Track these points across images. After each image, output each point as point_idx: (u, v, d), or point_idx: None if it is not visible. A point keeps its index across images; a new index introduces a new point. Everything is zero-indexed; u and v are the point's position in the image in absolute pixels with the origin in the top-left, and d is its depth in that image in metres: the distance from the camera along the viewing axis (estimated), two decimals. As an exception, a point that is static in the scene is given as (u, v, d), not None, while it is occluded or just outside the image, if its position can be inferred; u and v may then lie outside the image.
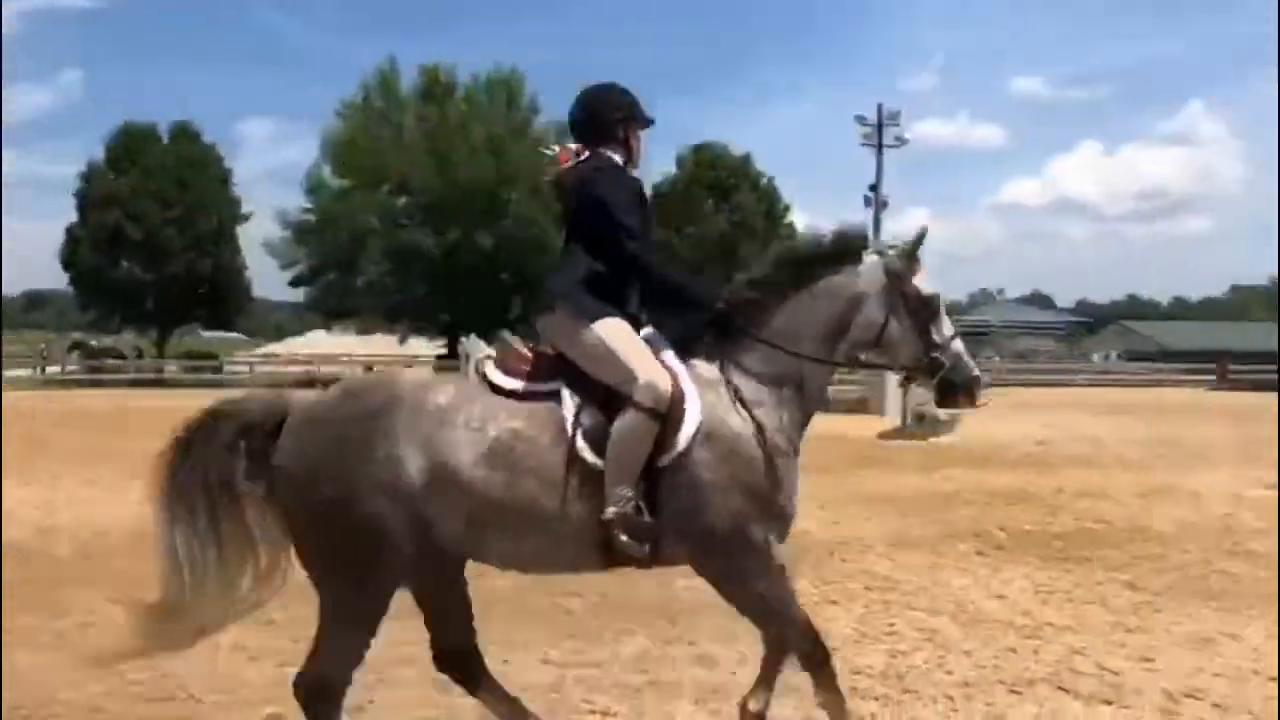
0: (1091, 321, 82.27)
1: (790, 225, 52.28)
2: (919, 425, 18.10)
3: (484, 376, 3.65)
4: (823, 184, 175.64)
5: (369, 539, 3.40)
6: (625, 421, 3.49)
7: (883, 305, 3.77)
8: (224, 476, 3.55)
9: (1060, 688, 5.02)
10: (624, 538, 3.45)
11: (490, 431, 3.49)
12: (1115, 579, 7.26)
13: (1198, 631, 5.93)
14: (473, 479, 3.43)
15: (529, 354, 3.72)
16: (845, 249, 3.83)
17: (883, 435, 18.46)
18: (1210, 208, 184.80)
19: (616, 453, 3.48)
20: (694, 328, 3.75)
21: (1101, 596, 6.80)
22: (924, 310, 3.79)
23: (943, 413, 18.25)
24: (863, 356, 3.88)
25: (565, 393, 3.59)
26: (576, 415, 3.54)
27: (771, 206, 53.75)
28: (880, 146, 46.34)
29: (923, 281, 3.80)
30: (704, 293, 3.81)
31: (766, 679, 3.88)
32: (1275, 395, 24.30)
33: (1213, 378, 43.75)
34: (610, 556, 3.54)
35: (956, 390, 3.83)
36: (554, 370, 3.65)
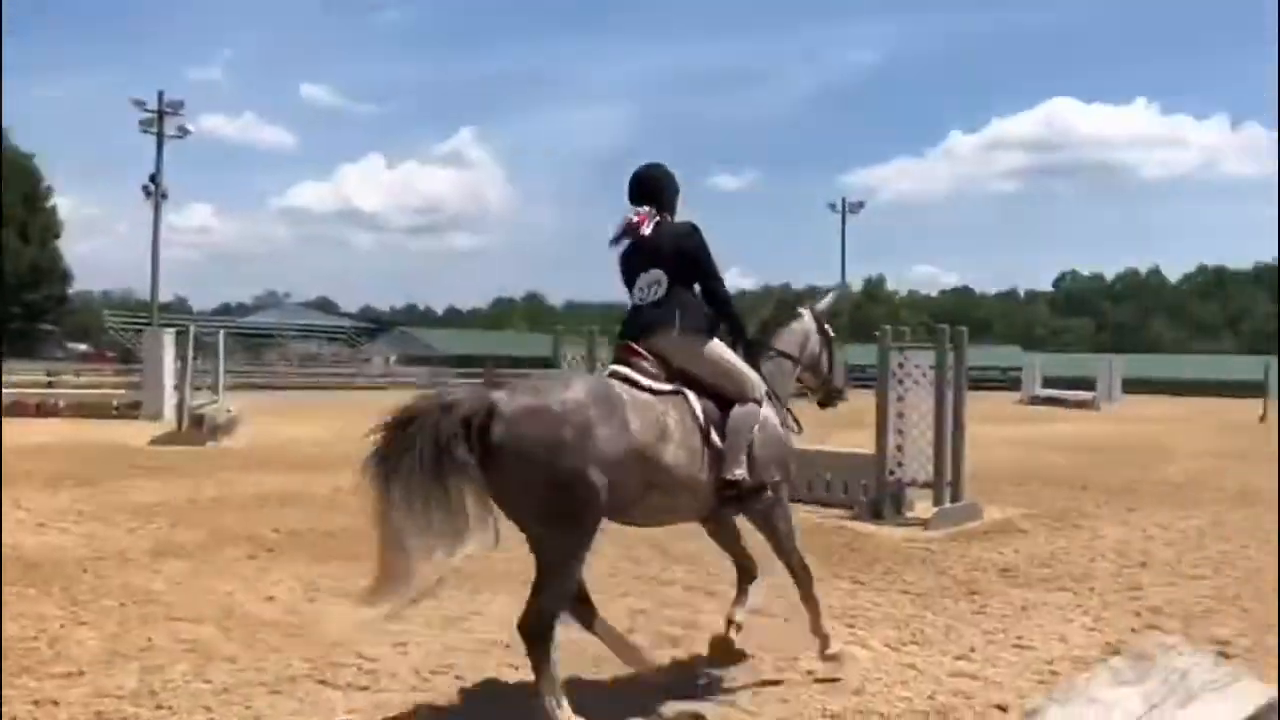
0: (374, 327, 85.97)
1: (54, 209, 46.95)
2: (196, 429, 17.33)
3: (625, 378, 4.71)
4: (98, 169, 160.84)
5: (590, 500, 4.28)
6: (745, 410, 4.87)
7: (818, 340, 5.73)
8: (445, 456, 4.08)
9: (321, 681, 5.07)
10: (745, 490, 4.80)
11: (659, 417, 4.57)
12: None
13: (449, 613, 6.38)
14: (656, 452, 4.51)
15: (653, 360, 4.84)
16: (799, 302, 5.85)
17: (156, 440, 17.36)
18: (479, 226, 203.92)
19: (737, 431, 4.79)
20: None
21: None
22: (832, 343, 5.80)
23: (221, 415, 17.67)
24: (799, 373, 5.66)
25: (689, 392, 4.77)
26: (703, 408, 4.75)
27: (33, 189, 47.89)
28: (160, 135, 43.78)
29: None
30: (744, 323, 5.28)
31: (741, 597, 5.54)
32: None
33: (481, 381, 48.13)
34: (717, 506, 4.91)
35: (838, 397, 5.93)
36: (670, 374, 4.81)
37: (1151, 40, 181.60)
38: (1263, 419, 32.18)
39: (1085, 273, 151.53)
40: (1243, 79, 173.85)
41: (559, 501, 4.24)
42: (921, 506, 10.86)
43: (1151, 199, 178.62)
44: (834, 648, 5.29)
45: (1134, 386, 47.90)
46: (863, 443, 16.32)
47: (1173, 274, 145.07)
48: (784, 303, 5.84)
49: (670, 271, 4.98)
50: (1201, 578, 7.91)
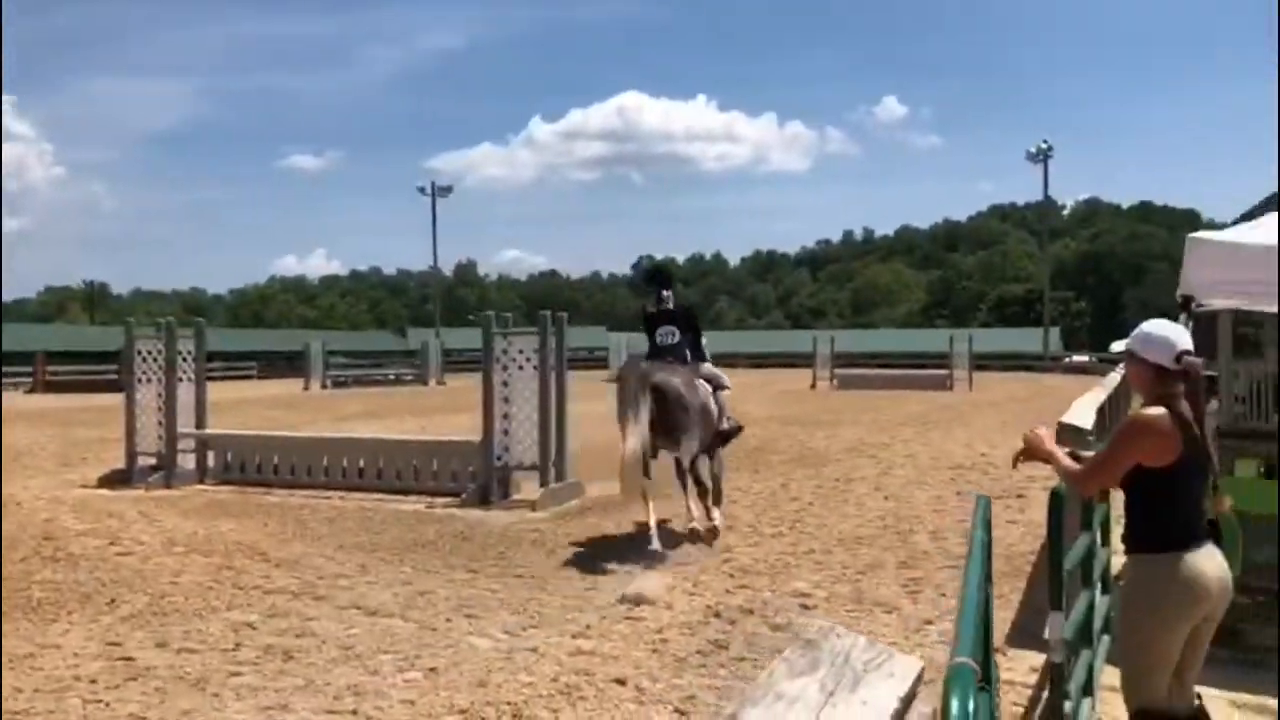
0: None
1: None
2: None
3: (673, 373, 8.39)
4: None
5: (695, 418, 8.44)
6: (726, 392, 9.01)
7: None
8: (641, 394, 7.85)
9: None
10: (728, 432, 8.90)
11: (697, 387, 8.44)
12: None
13: (16, 648, 5.62)
14: (709, 406, 8.56)
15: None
16: None
17: None
18: (21, 207, 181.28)
19: (724, 401, 8.83)
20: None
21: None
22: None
23: None
24: None
25: (703, 382, 8.64)
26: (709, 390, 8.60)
27: None
28: None
29: None
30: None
31: (701, 509, 8.55)
32: None
33: (30, 379, 43.01)
34: (712, 444, 8.71)
35: None
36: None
37: (713, 40, 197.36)
38: (813, 386, 36.20)
39: (659, 256, 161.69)
40: (791, 80, 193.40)
41: (681, 419, 8.14)
42: (526, 488, 11.10)
43: (712, 189, 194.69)
44: (717, 520, 8.44)
45: (705, 361, 51.86)
46: (464, 426, 16.38)
47: (733, 258, 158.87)
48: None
49: (680, 328, 8.83)
50: (780, 535, 8.73)
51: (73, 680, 5.12)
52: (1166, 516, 3.48)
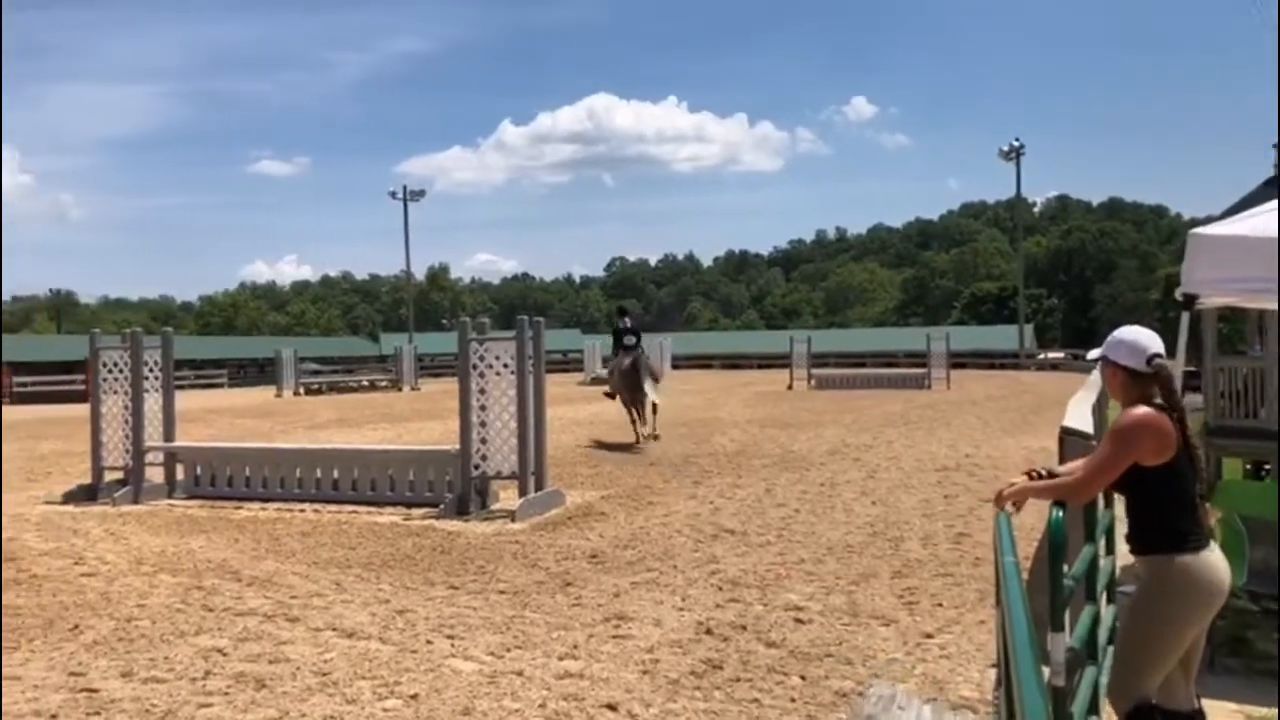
0: None
1: None
2: None
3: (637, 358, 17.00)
4: None
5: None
6: (663, 368, 32.48)
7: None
8: (633, 370, 16.66)
9: None
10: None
11: (650, 365, 17.70)
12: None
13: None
14: (652, 370, 17.66)
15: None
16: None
17: None
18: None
19: (658, 375, 18.55)
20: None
21: None
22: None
23: None
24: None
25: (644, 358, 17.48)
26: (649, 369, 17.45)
27: None
28: None
29: None
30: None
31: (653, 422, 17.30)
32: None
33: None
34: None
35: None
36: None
37: (682, 41, 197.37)
38: (790, 387, 36.05)
39: (632, 258, 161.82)
40: (760, 81, 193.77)
41: (647, 375, 16.81)
42: (505, 496, 10.85)
43: (684, 190, 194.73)
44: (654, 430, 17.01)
45: (677, 362, 51.84)
46: (439, 432, 16.06)
47: (705, 258, 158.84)
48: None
49: (637, 339, 17.49)
50: (767, 544, 8.52)
51: (33, 715, 4.84)
52: (1173, 515, 3.49)
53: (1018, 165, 64.09)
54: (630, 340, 17.26)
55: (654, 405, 16.81)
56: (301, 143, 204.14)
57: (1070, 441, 5.25)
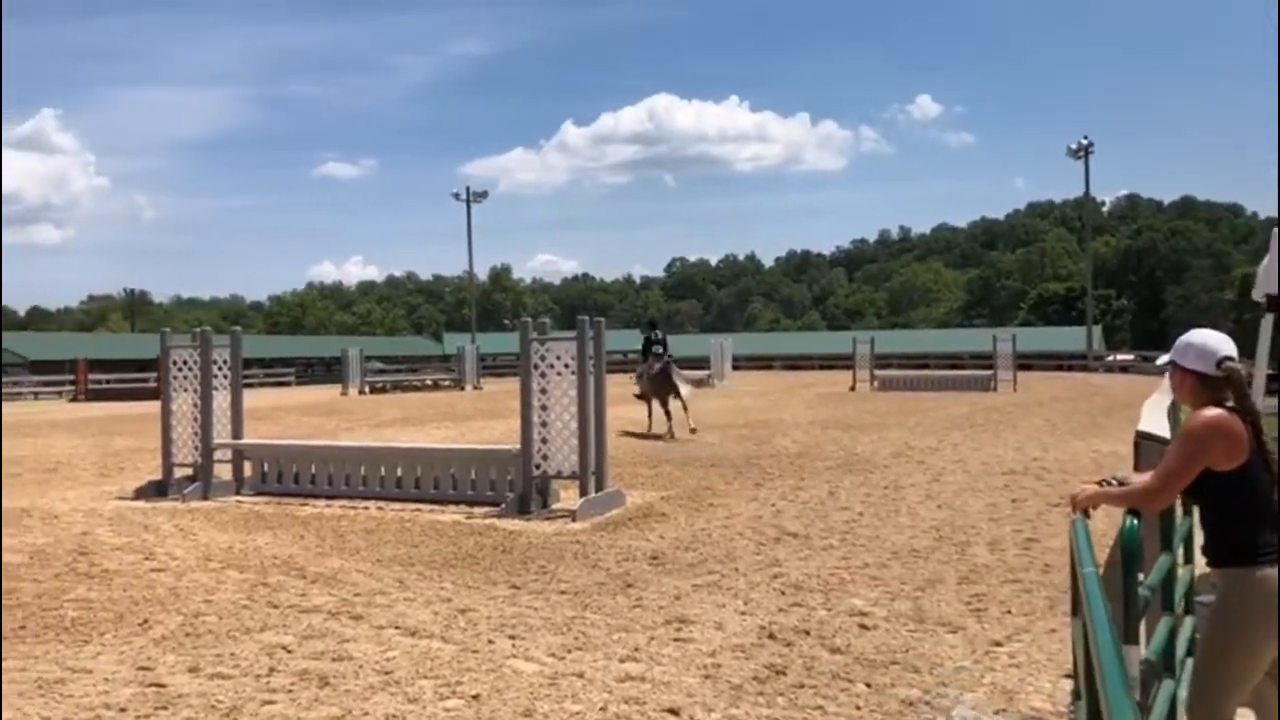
0: (-61, 332, 74.94)
1: None
2: None
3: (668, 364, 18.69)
4: None
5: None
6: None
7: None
8: (663, 374, 18.48)
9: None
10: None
11: (678, 370, 19.69)
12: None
13: (47, 672, 5.41)
14: (680, 375, 19.71)
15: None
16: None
17: None
18: (66, 218, 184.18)
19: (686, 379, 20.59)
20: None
21: (-65, 655, 5.81)
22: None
23: None
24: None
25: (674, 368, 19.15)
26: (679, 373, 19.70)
27: None
28: None
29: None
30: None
31: (688, 419, 18.30)
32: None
33: (73, 388, 43.41)
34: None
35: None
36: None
37: (744, 41, 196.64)
38: (853, 388, 35.70)
39: (692, 259, 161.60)
40: (823, 80, 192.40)
41: (678, 380, 18.68)
42: (565, 495, 10.86)
43: (745, 190, 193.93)
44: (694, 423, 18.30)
45: (738, 363, 51.59)
46: (500, 432, 16.13)
47: (766, 258, 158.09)
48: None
49: (664, 347, 19.01)
50: (831, 548, 8.40)
51: (103, 708, 4.90)
52: (1250, 524, 3.32)
53: (1086, 164, 62.89)
54: (659, 349, 18.98)
55: (684, 404, 18.39)
56: (367, 145, 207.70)
57: (1146, 446, 5.09)
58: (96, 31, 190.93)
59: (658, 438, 17.84)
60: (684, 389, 18.61)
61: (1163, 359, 3.66)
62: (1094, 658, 1.75)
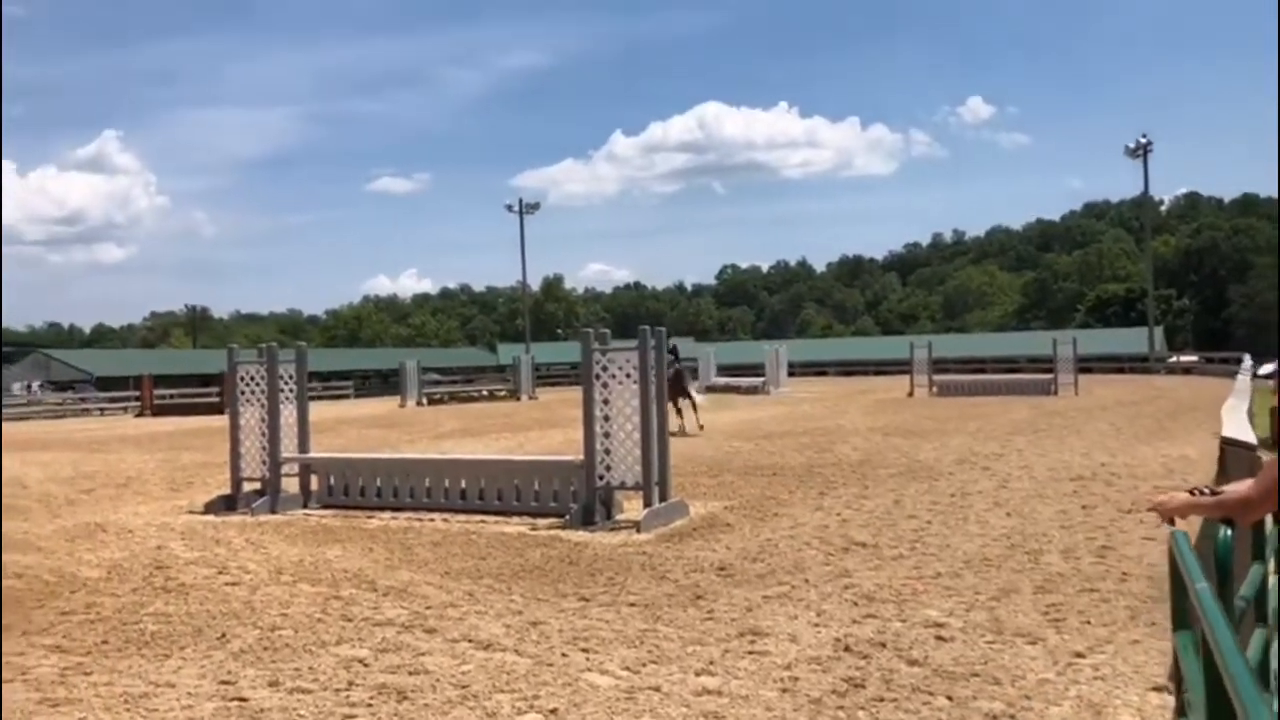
0: (11, 350, 76.92)
1: None
2: None
3: (680, 370, 22.41)
4: None
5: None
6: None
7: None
8: (676, 381, 19.66)
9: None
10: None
11: (689, 376, 26.82)
12: (38, 645, 6.44)
13: (131, 687, 5.50)
14: (689, 379, 27.67)
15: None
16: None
17: None
18: (128, 236, 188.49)
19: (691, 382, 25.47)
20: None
21: (21, 669, 5.93)
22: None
23: None
24: None
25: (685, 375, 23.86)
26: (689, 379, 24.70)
27: None
28: None
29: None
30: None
31: (696, 417, 22.00)
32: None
33: (138, 403, 44.25)
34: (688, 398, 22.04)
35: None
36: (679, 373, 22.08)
37: (792, 47, 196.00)
38: (910, 394, 35.34)
39: (744, 265, 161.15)
40: (872, 84, 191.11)
41: (688, 383, 22.97)
42: (629, 506, 10.85)
43: (795, 195, 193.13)
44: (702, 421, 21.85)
45: (792, 369, 51.31)
46: (559, 441, 16.16)
47: (818, 264, 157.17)
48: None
49: (675, 356, 20.52)
50: (901, 557, 8.31)
51: (185, 722, 4.98)
52: None
53: (1145, 162, 61.87)
54: (670, 358, 21.92)
55: (693, 404, 21.89)
56: (420, 159, 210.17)
57: (1232, 453, 4.96)
58: (156, 55, 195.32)
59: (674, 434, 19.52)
60: (694, 393, 22.90)
61: (1268, 368, 3.54)
62: (1228, 685, 1.70)
